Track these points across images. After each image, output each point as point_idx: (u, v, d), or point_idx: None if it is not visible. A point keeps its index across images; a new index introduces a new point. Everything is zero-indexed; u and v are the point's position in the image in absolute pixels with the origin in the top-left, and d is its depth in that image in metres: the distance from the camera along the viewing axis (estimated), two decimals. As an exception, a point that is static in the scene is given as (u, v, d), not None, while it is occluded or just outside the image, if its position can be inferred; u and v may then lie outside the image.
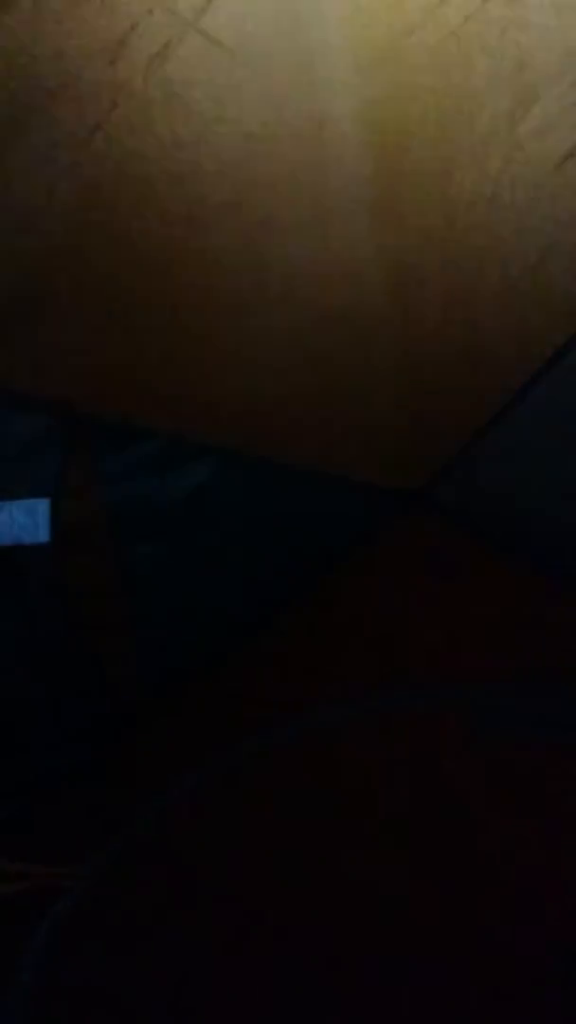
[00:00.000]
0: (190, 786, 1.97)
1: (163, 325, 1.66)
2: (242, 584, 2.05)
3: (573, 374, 1.58)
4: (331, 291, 1.64)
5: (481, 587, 1.89)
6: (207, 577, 2.03)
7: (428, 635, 1.95)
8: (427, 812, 1.81)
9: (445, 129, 1.45)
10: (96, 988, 1.58)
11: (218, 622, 2.08)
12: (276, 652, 2.08)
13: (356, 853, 1.76)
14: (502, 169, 1.46)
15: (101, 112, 1.39)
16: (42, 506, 1.73)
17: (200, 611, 2.06)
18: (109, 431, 1.83)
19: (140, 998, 1.53)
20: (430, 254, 1.55)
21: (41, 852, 1.82)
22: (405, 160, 1.47)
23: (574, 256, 1.51)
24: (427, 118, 1.44)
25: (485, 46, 1.38)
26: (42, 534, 1.73)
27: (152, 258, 1.57)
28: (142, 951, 1.63)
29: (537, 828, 1.66)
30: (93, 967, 1.62)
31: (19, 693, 1.94)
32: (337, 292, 1.61)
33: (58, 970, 1.63)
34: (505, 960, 1.50)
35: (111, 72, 1.35)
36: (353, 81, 1.40)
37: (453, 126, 1.44)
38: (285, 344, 1.70)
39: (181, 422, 1.82)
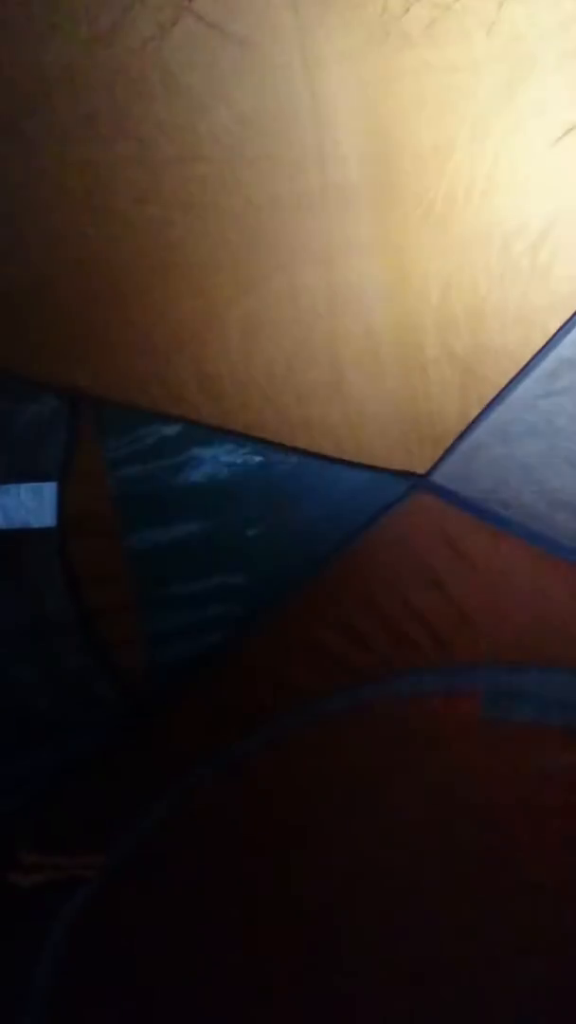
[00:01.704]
0: (206, 774, 1.98)
1: (167, 309, 1.67)
2: (252, 567, 2.05)
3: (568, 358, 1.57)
4: (335, 271, 1.64)
5: (483, 562, 1.88)
6: (217, 561, 2.04)
7: (437, 614, 1.94)
8: (440, 793, 1.81)
9: (443, 106, 1.44)
10: (113, 976, 1.60)
11: (229, 607, 2.08)
12: (287, 636, 2.08)
13: (371, 835, 1.76)
14: (501, 145, 1.44)
15: (98, 97, 1.41)
16: (48, 489, 1.75)
17: (211, 596, 2.06)
18: (118, 416, 1.85)
19: (157, 986, 1.54)
20: (430, 232, 1.54)
21: (57, 843, 1.84)
22: (403, 138, 1.47)
23: (574, 233, 1.49)
24: (425, 95, 1.43)
25: (483, 20, 1.37)
26: (48, 517, 1.75)
27: (153, 241, 1.58)
28: (159, 939, 1.65)
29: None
30: (110, 956, 1.64)
31: (28, 680, 1.95)
32: (338, 270, 1.61)
33: (76, 958, 1.65)
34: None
35: (107, 56, 1.37)
36: (349, 59, 1.40)
37: (451, 103, 1.43)
38: (291, 328, 1.71)
39: (190, 407, 1.84)
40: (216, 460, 1.92)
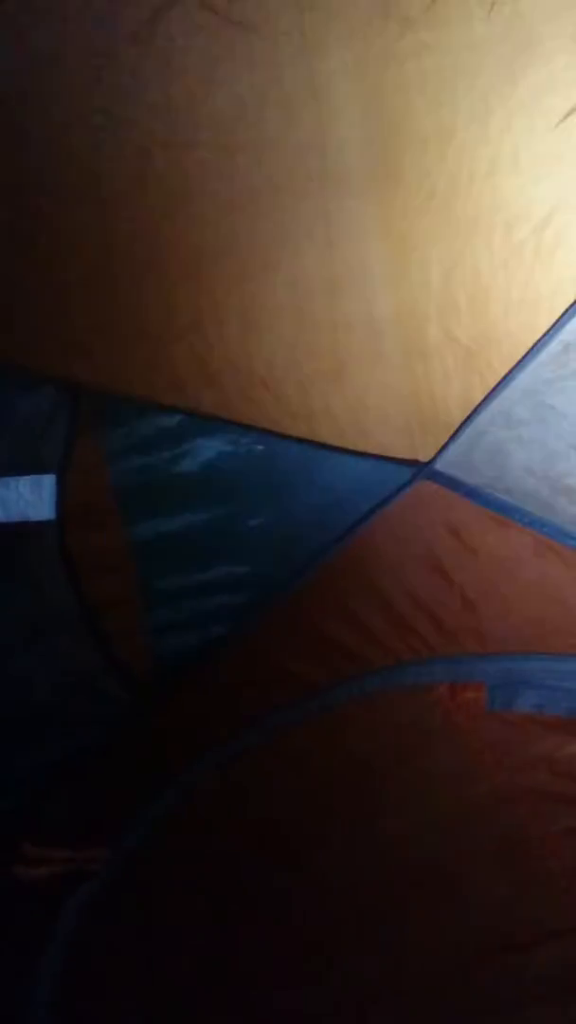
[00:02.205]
0: (209, 766, 1.98)
1: (165, 298, 1.66)
2: (254, 558, 2.05)
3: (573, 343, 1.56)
4: (335, 258, 1.62)
5: (488, 550, 1.87)
6: (219, 552, 2.03)
7: (441, 602, 1.94)
8: (445, 783, 1.81)
9: (444, 89, 1.42)
10: (118, 967, 1.60)
11: (232, 598, 2.08)
12: (290, 626, 2.07)
13: (376, 826, 1.76)
14: (504, 127, 1.43)
15: (93, 82, 1.39)
16: (48, 481, 1.74)
17: (213, 587, 2.06)
18: (118, 407, 1.84)
19: (160, 978, 1.54)
20: (432, 217, 1.52)
21: (62, 834, 1.84)
22: (404, 121, 1.45)
23: (579, 216, 1.48)
24: (425, 78, 1.41)
25: (483, 1, 1.35)
26: (48, 510, 1.74)
27: (153, 229, 1.57)
28: (163, 932, 1.64)
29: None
30: (114, 948, 1.64)
31: (30, 675, 1.95)
32: (338, 257, 1.60)
33: (84, 951, 1.65)
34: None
35: (103, 41, 1.35)
36: (349, 42, 1.38)
37: (452, 85, 1.41)
38: (291, 316, 1.70)
39: (190, 398, 1.82)
40: (217, 450, 1.91)
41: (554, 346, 1.56)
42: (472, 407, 1.74)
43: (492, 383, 1.68)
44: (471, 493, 1.87)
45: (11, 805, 1.96)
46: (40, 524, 1.79)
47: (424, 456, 1.90)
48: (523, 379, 1.63)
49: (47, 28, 1.33)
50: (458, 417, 1.78)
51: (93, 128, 1.44)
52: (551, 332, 1.56)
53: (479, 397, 1.72)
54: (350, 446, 1.89)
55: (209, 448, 1.90)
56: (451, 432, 1.82)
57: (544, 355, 1.58)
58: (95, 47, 1.35)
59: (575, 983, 1.38)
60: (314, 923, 1.59)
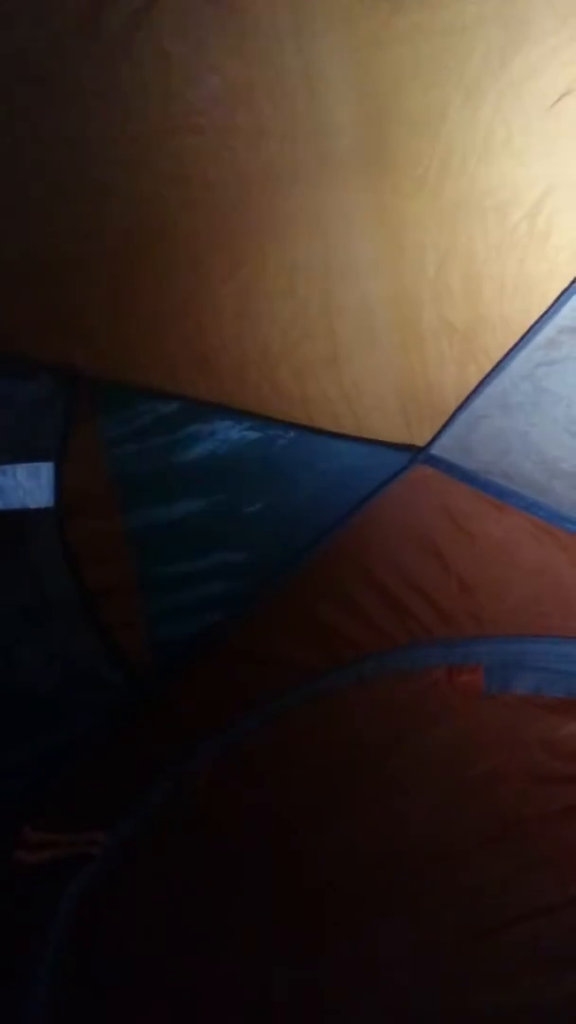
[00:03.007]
0: (209, 752, 1.99)
1: (160, 285, 1.65)
2: (252, 544, 2.05)
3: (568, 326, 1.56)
4: (329, 243, 1.62)
5: (484, 533, 1.88)
6: (217, 538, 2.03)
7: (438, 586, 1.95)
8: (443, 766, 1.82)
9: (436, 72, 1.41)
10: (117, 951, 1.61)
11: (230, 584, 2.08)
12: (288, 612, 2.08)
13: (374, 809, 1.77)
14: (496, 111, 1.42)
15: (88, 69, 1.38)
16: (46, 469, 1.74)
17: (212, 574, 2.06)
18: (114, 395, 1.84)
19: (159, 963, 1.55)
20: (425, 201, 1.52)
21: (63, 821, 1.85)
22: (396, 105, 1.44)
23: (572, 200, 1.47)
24: (417, 61, 1.41)
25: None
26: (46, 497, 1.74)
27: (147, 216, 1.56)
28: (162, 915, 1.65)
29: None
30: (114, 932, 1.65)
31: (30, 663, 1.95)
32: (332, 242, 1.60)
33: (82, 936, 1.65)
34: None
35: (97, 27, 1.34)
36: (340, 25, 1.37)
37: (444, 68, 1.41)
38: (286, 302, 1.69)
39: (187, 384, 1.82)
40: (214, 437, 1.91)
41: (549, 330, 1.56)
42: (467, 392, 1.75)
43: (487, 367, 1.68)
44: (467, 477, 1.88)
45: (12, 791, 1.97)
46: (39, 512, 1.79)
47: (420, 441, 1.91)
48: (518, 363, 1.63)
49: (49, 14, 1.32)
50: (453, 402, 1.78)
51: (88, 112, 1.44)
52: (546, 316, 1.55)
53: (474, 382, 1.72)
54: (346, 432, 1.90)
55: (206, 435, 1.90)
56: (447, 417, 1.82)
57: (539, 339, 1.58)
58: (95, 31, 1.34)
59: (569, 955, 1.40)
60: (313, 904, 1.60)
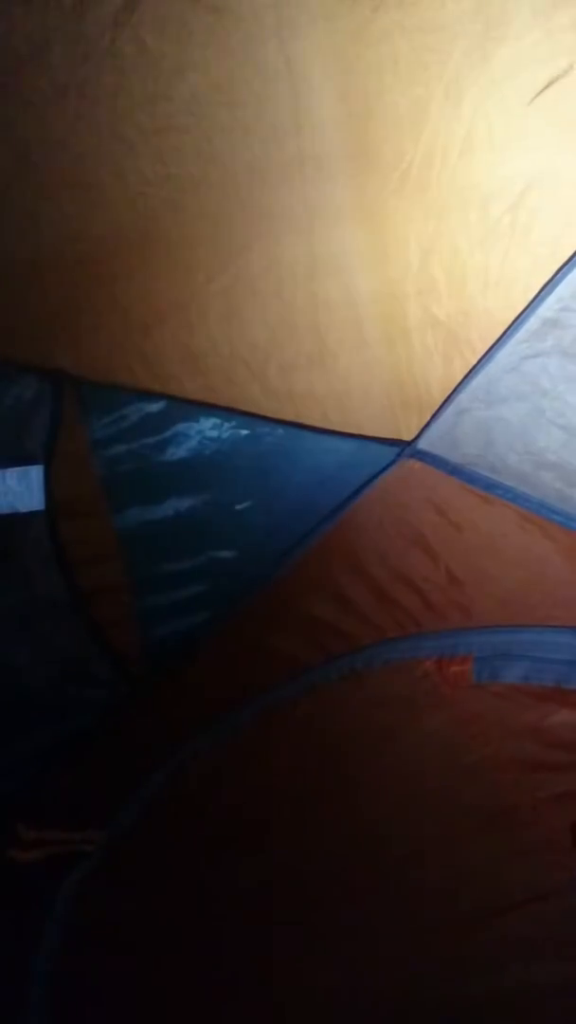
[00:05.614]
0: (202, 748, 2.00)
1: (146, 284, 1.65)
2: (242, 541, 2.06)
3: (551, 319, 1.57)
4: (314, 240, 1.63)
5: (472, 526, 1.90)
6: (207, 536, 2.04)
7: (427, 579, 1.96)
8: (434, 756, 1.84)
9: (417, 68, 1.42)
10: (114, 948, 1.61)
11: (221, 581, 2.09)
12: (279, 607, 2.09)
13: (367, 801, 1.79)
14: (477, 106, 1.43)
15: (70, 69, 1.38)
16: (35, 472, 1.74)
17: (202, 571, 2.07)
18: (101, 395, 1.83)
19: (157, 957, 1.56)
20: (409, 196, 1.53)
21: (56, 819, 1.85)
22: (378, 102, 1.45)
23: (554, 193, 1.49)
24: (398, 58, 1.41)
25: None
26: (36, 500, 1.73)
27: (133, 216, 1.56)
28: (159, 910, 1.66)
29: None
30: (110, 928, 1.66)
31: (22, 663, 1.95)
32: (317, 239, 1.60)
33: (77, 931, 1.66)
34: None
35: (78, 27, 1.34)
36: (322, 23, 1.38)
37: (425, 65, 1.42)
38: (272, 299, 1.70)
39: (174, 384, 1.82)
40: (202, 435, 1.91)
41: (532, 322, 1.57)
42: (453, 385, 1.76)
43: (472, 361, 1.70)
44: (455, 470, 1.89)
45: (5, 789, 1.97)
46: (30, 515, 1.78)
47: (407, 435, 1.92)
48: (503, 356, 1.64)
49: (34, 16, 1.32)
50: (440, 396, 1.79)
51: (72, 112, 1.43)
52: (529, 309, 1.56)
53: (460, 375, 1.73)
54: (334, 427, 1.90)
55: (194, 433, 1.90)
56: (433, 411, 1.84)
57: (523, 332, 1.59)
58: (79, 33, 1.34)
59: (557, 941, 1.42)
60: (309, 895, 1.61)
